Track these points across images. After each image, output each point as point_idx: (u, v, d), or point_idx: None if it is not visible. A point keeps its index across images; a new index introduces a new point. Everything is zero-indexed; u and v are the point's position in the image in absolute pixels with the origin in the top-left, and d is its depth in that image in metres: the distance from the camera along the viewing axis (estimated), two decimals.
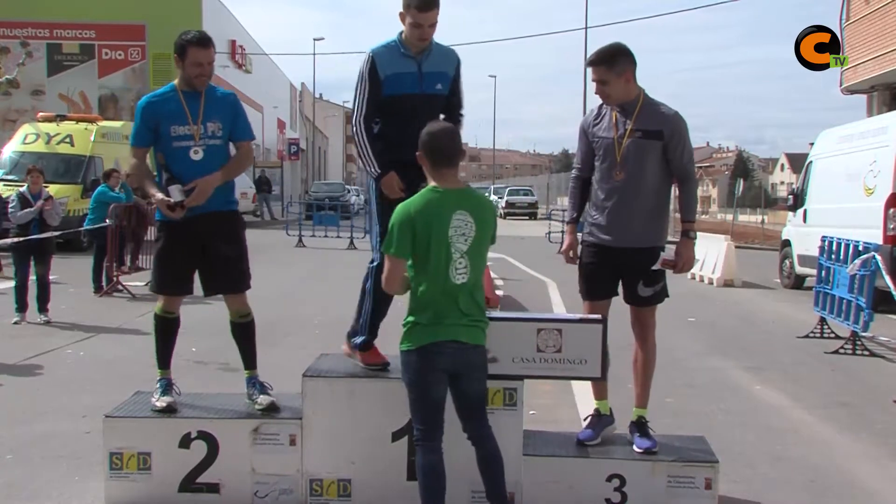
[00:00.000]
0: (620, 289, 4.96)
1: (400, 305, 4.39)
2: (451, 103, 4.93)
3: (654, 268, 4.79)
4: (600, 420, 4.88)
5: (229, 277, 5.05)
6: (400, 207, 4.07)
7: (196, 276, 5.09)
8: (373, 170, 4.74)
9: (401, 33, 4.77)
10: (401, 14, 4.70)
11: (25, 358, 8.61)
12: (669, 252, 4.85)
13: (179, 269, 5.00)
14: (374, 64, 4.71)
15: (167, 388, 4.99)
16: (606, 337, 4.65)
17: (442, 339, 4.00)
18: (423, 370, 4.04)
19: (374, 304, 4.92)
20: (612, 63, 4.74)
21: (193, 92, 4.94)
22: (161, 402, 4.89)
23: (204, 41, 4.92)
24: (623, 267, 4.85)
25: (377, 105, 4.75)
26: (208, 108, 4.93)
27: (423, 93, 4.74)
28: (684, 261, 4.80)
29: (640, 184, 4.75)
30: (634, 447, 4.70)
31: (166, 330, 5.12)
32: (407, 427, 4.63)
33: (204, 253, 4.97)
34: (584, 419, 4.99)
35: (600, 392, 4.96)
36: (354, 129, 4.81)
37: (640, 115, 4.75)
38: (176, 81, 5.02)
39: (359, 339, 4.95)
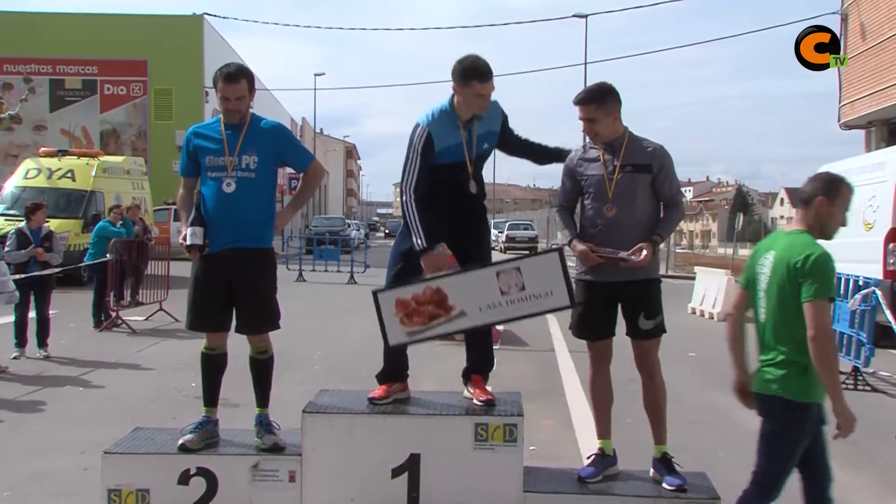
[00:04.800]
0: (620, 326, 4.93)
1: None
2: (518, 142, 5.16)
3: (615, 255, 4.70)
4: (603, 460, 4.85)
5: (249, 318, 4.97)
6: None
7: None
8: (420, 242, 4.74)
9: (452, 98, 4.86)
10: (457, 88, 4.79)
11: (24, 393, 8.58)
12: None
13: (207, 304, 4.94)
14: (429, 139, 4.78)
15: (198, 426, 4.91)
16: (566, 265, 4.57)
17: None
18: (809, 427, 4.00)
19: None
20: (602, 102, 4.79)
21: (236, 124, 4.93)
22: (182, 438, 4.84)
23: (229, 76, 4.88)
24: (620, 302, 4.85)
25: (428, 173, 4.82)
26: (246, 141, 4.90)
27: (472, 157, 4.90)
28: (643, 257, 4.67)
29: (632, 217, 4.76)
30: (665, 485, 4.65)
31: (207, 366, 5.06)
32: (407, 463, 4.61)
33: (231, 289, 4.92)
34: (588, 457, 4.95)
35: (604, 431, 4.94)
36: (403, 197, 4.82)
37: (628, 151, 4.79)
38: (221, 114, 5.03)
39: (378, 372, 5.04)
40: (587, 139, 4.97)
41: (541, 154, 5.23)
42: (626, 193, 4.75)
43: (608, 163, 4.80)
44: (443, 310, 4.51)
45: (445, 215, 4.90)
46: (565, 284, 4.54)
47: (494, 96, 4.88)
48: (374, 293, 4.60)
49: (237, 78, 4.90)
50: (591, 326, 4.88)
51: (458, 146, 4.84)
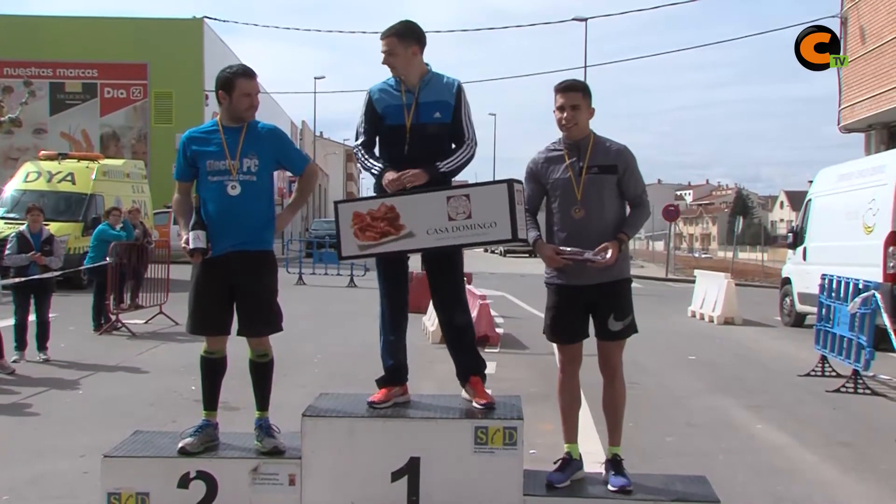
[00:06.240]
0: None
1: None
2: (456, 131, 5.04)
3: (581, 255, 4.67)
4: (570, 464, 4.86)
5: (252, 321, 4.96)
6: None
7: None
8: (376, 170, 4.96)
9: None
10: (401, 53, 4.99)
11: (23, 397, 8.58)
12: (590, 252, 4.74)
13: (209, 307, 4.93)
14: (370, 101, 5.05)
15: (198, 430, 4.90)
16: (514, 198, 4.58)
17: None
18: None
19: (382, 335, 5.08)
20: (586, 93, 4.87)
21: (234, 127, 4.95)
22: (182, 441, 4.83)
23: (249, 72, 4.98)
24: (592, 304, 4.84)
25: (377, 134, 5.06)
26: (247, 144, 4.91)
27: (419, 122, 4.93)
28: (608, 257, 4.67)
29: (601, 219, 4.77)
30: (609, 486, 4.67)
31: (207, 370, 5.05)
32: (407, 466, 4.61)
33: (232, 293, 4.93)
34: (555, 462, 4.94)
35: (571, 436, 4.96)
36: (355, 151, 5.11)
37: (593, 152, 4.81)
38: (218, 117, 5.04)
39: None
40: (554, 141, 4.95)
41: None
42: (594, 195, 4.77)
43: (574, 164, 4.81)
44: (394, 228, 4.70)
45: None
46: (510, 217, 4.59)
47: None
48: (336, 203, 4.94)
49: (254, 74, 5.02)
50: (562, 329, 4.90)
51: (404, 107, 4.95)
